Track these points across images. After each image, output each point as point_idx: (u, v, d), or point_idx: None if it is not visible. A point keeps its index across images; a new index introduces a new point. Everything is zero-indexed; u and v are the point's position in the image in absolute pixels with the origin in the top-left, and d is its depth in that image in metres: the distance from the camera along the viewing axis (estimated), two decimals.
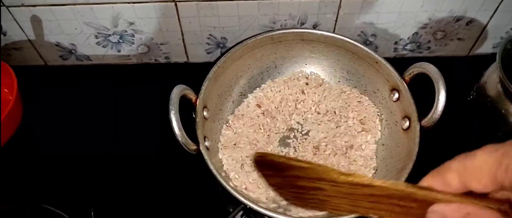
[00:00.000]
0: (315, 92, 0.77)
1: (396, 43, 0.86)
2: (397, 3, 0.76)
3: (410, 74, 0.69)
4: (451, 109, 0.65)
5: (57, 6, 0.74)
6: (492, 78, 0.72)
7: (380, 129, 0.75)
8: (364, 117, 0.75)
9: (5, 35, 0.80)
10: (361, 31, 0.82)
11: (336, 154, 0.73)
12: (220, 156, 0.72)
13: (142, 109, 0.82)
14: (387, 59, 0.73)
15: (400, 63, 0.72)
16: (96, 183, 0.75)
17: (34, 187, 0.74)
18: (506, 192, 0.33)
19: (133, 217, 0.73)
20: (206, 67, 0.72)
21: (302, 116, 0.76)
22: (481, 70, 0.78)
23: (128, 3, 0.74)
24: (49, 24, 0.78)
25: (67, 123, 0.82)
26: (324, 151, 0.73)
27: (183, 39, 0.83)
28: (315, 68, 0.80)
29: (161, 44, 0.84)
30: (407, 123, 0.69)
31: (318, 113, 0.76)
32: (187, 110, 0.66)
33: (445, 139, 0.75)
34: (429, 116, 0.64)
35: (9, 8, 0.75)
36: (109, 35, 0.81)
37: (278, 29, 0.76)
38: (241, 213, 0.66)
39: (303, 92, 0.78)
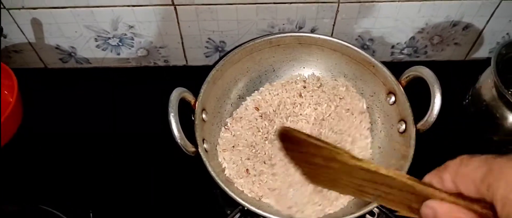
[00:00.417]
0: (313, 96, 0.78)
1: (393, 47, 0.86)
2: (394, 8, 0.77)
3: (406, 78, 0.70)
4: (446, 113, 0.65)
5: (57, 9, 0.75)
6: (487, 82, 0.73)
7: (369, 133, 0.76)
8: (360, 119, 0.76)
9: (5, 37, 0.81)
10: (359, 36, 0.83)
11: None
12: (220, 159, 0.73)
13: (141, 112, 0.83)
14: (384, 63, 0.73)
15: (397, 68, 0.73)
16: (95, 185, 0.75)
17: (33, 188, 0.75)
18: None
19: None
20: (205, 70, 0.72)
21: (300, 118, 0.77)
22: (477, 75, 0.78)
23: (128, 6, 0.75)
24: (49, 27, 0.79)
25: (66, 125, 0.82)
26: None
27: (182, 43, 0.83)
28: (312, 71, 0.81)
29: (160, 47, 0.84)
30: (404, 126, 0.70)
31: (316, 116, 0.77)
32: (186, 112, 0.67)
33: (441, 142, 0.75)
34: (425, 119, 0.65)
35: (10, 11, 0.75)
36: (109, 38, 0.82)
37: (276, 33, 0.77)
38: (238, 215, 0.66)
39: (300, 95, 0.78)
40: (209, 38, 0.82)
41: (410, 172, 0.63)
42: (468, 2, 0.76)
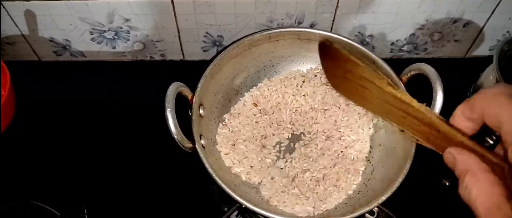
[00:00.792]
0: (313, 91, 0.77)
1: (393, 44, 0.86)
2: (395, 3, 0.76)
3: (407, 75, 0.69)
4: (447, 110, 0.64)
5: (52, 0, 0.74)
6: (488, 80, 0.72)
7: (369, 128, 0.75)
8: (358, 115, 0.75)
9: None
10: (358, 32, 0.82)
11: (330, 148, 0.73)
12: (218, 154, 0.72)
13: (137, 107, 0.82)
14: (384, 60, 0.72)
15: (396, 64, 0.72)
16: (90, 181, 0.74)
17: (25, 183, 0.74)
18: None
19: (127, 215, 0.72)
20: (202, 65, 0.71)
21: (299, 114, 0.76)
22: (477, 72, 0.78)
23: None
24: (43, 19, 0.77)
25: (60, 120, 0.81)
26: (319, 148, 0.73)
27: (179, 37, 0.82)
28: (312, 67, 0.80)
29: (156, 41, 0.83)
30: None
31: (315, 112, 0.76)
32: (183, 107, 0.66)
33: None
34: None
35: (2, 2, 0.74)
36: (104, 31, 0.80)
37: (275, 28, 0.76)
38: (236, 212, 0.65)
39: (299, 91, 0.77)
40: (206, 32, 0.81)
41: (411, 172, 0.63)
42: None
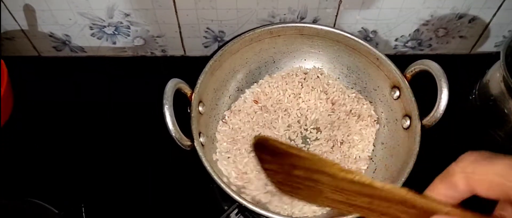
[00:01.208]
0: (314, 88, 0.76)
1: (396, 40, 0.84)
2: None
3: (411, 71, 0.68)
4: (452, 108, 0.64)
5: None
6: (495, 77, 0.71)
7: (376, 125, 0.74)
8: (361, 113, 0.74)
9: None
10: (362, 27, 0.81)
11: (332, 147, 0.72)
12: (217, 152, 0.71)
13: (137, 103, 0.81)
14: (388, 56, 0.71)
15: (400, 61, 0.71)
16: (88, 178, 0.74)
17: (23, 180, 0.73)
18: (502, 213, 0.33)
19: (125, 213, 0.71)
20: (203, 61, 0.70)
21: (300, 112, 0.75)
22: (482, 69, 0.77)
23: None
24: (42, 14, 0.77)
25: (59, 116, 0.80)
26: (321, 147, 0.72)
27: (180, 32, 0.81)
28: (314, 63, 0.79)
29: (157, 36, 0.82)
30: (408, 122, 0.68)
31: (317, 110, 0.75)
32: (182, 104, 0.65)
33: (446, 138, 0.74)
34: (431, 114, 0.63)
35: None
36: (104, 26, 0.80)
37: (277, 23, 0.75)
38: (236, 211, 0.64)
39: (301, 88, 0.76)
40: (207, 28, 0.80)
41: (414, 169, 0.62)
42: None
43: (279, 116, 0.74)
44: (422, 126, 0.65)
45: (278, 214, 0.63)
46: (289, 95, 0.76)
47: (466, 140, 0.75)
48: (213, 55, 0.70)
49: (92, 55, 0.87)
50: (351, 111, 0.75)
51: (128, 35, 0.82)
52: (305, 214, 0.66)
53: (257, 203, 0.63)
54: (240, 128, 0.73)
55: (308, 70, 0.78)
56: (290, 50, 0.78)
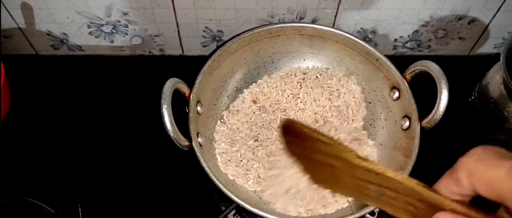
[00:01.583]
0: (312, 88, 0.76)
1: (396, 40, 0.84)
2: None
3: (411, 72, 0.67)
4: (451, 109, 0.63)
5: None
6: (495, 79, 0.71)
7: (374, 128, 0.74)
8: (361, 115, 0.74)
9: None
10: (361, 28, 0.81)
11: None
12: (216, 152, 0.70)
13: (134, 102, 0.81)
14: (387, 57, 0.71)
15: (399, 62, 0.71)
16: (85, 178, 0.73)
17: (20, 180, 0.73)
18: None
19: (121, 214, 0.71)
20: (202, 60, 0.70)
21: (299, 112, 0.75)
22: (481, 71, 0.77)
23: None
24: (40, 12, 0.76)
25: (57, 115, 0.80)
26: None
27: (178, 31, 0.81)
28: (313, 64, 0.78)
29: (155, 36, 0.82)
30: (407, 123, 0.68)
31: (315, 111, 0.75)
32: (180, 104, 0.64)
33: (445, 140, 0.74)
34: (431, 116, 0.63)
35: None
36: (102, 25, 0.79)
37: (276, 23, 0.75)
38: (233, 211, 0.64)
39: (300, 88, 0.76)
40: (206, 27, 0.80)
41: (414, 170, 0.61)
42: None
43: (277, 116, 0.74)
44: (422, 127, 0.64)
45: (277, 215, 0.63)
46: (288, 96, 0.76)
47: (465, 141, 0.75)
48: (212, 55, 0.70)
49: (89, 54, 0.86)
50: (349, 112, 0.74)
51: (126, 34, 0.82)
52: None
53: (255, 204, 0.63)
54: (238, 128, 0.72)
55: (307, 71, 0.78)
56: (289, 50, 0.77)
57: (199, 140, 0.65)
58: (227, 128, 0.73)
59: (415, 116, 0.66)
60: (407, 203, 0.38)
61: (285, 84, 0.76)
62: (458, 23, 0.80)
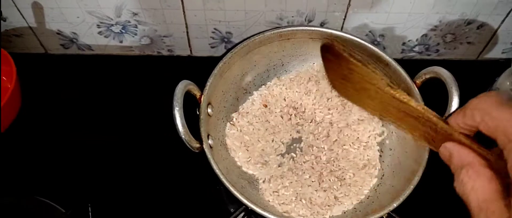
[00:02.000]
0: (323, 93, 0.76)
1: (404, 44, 0.84)
2: (408, 3, 0.74)
3: (421, 78, 0.67)
4: None
5: None
6: (504, 85, 0.71)
7: (381, 129, 0.74)
8: (368, 120, 0.74)
9: (5, 20, 0.78)
10: (369, 31, 0.81)
11: (339, 155, 0.72)
12: (232, 154, 0.71)
13: (143, 102, 0.81)
14: (396, 61, 0.71)
15: (408, 66, 0.70)
16: (95, 178, 0.74)
17: (31, 179, 0.73)
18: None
19: (131, 214, 0.71)
20: (210, 61, 0.70)
21: (308, 116, 0.75)
22: (490, 75, 0.77)
23: None
24: (50, 12, 0.76)
25: (66, 114, 0.80)
26: (329, 153, 0.72)
27: (187, 32, 0.81)
28: (322, 67, 0.78)
29: (164, 36, 0.82)
30: None
31: (325, 114, 0.75)
32: (190, 106, 0.65)
33: None
34: None
35: None
36: (112, 25, 0.79)
37: (287, 26, 0.75)
38: (242, 214, 0.64)
39: (309, 91, 0.76)
40: (215, 29, 0.80)
41: (424, 179, 0.61)
42: (484, 0, 0.74)
43: (287, 118, 0.74)
44: None
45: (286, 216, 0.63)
46: (298, 99, 0.76)
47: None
48: (223, 57, 0.70)
49: (99, 53, 0.87)
50: (358, 115, 0.74)
51: (136, 34, 0.82)
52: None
53: (265, 207, 0.63)
54: (248, 130, 0.73)
55: (317, 73, 0.78)
56: (299, 54, 0.77)
57: (210, 141, 0.66)
58: (237, 129, 0.73)
59: None
60: (424, 130, 0.45)
61: (295, 87, 0.77)
62: (467, 28, 0.80)
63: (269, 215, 0.59)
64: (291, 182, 0.69)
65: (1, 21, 0.78)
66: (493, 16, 0.78)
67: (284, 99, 0.76)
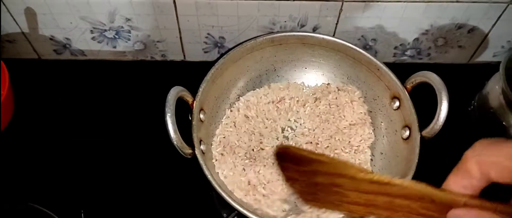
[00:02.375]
0: (312, 101, 0.76)
1: (396, 48, 0.85)
2: (400, 8, 0.75)
3: (412, 83, 0.68)
4: (450, 119, 0.64)
5: None
6: (494, 89, 0.71)
7: (372, 134, 0.74)
8: (357, 124, 0.75)
9: None
10: (361, 36, 0.81)
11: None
12: (214, 160, 0.71)
13: (136, 108, 0.81)
14: (386, 64, 0.72)
15: (399, 70, 0.71)
16: (88, 184, 0.73)
17: (23, 185, 0.73)
18: None
19: None
20: (203, 66, 0.70)
21: (297, 124, 0.75)
22: (481, 79, 0.77)
23: None
24: (43, 17, 0.76)
25: (59, 120, 0.80)
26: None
27: (180, 38, 0.81)
28: (315, 72, 0.79)
29: (158, 41, 0.82)
30: (407, 132, 0.68)
31: (314, 122, 0.75)
32: (183, 111, 0.65)
33: (444, 149, 0.74)
34: (431, 126, 0.63)
35: (3, 0, 0.73)
36: (105, 30, 0.79)
37: (279, 32, 0.75)
38: None
39: (298, 100, 0.76)
40: (208, 34, 0.80)
41: (414, 179, 0.61)
42: (475, 5, 0.75)
43: (275, 125, 0.74)
44: (422, 137, 0.65)
45: None
46: (286, 107, 0.76)
47: (464, 151, 0.75)
48: (215, 63, 0.70)
49: (92, 58, 0.87)
50: (348, 121, 0.75)
51: (129, 40, 0.82)
52: None
53: (254, 210, 0.63)
54: (236, 136, 0.73)
55: (308, 79, 0.78)
56: (291, 59, 0.78)
57: (202, 147, 0.66)
58: (224, 136, 0.73)
59: (415, 125, 0.66)
60: (421, 207, 0.38)
61: (284, 95, 0.77)
62: (458, 32, 0.81)
63: None
64: (281, 190, 0.68)
65: None
66: (484, 20, 0.78)
67: (273, 108, 0.76)
